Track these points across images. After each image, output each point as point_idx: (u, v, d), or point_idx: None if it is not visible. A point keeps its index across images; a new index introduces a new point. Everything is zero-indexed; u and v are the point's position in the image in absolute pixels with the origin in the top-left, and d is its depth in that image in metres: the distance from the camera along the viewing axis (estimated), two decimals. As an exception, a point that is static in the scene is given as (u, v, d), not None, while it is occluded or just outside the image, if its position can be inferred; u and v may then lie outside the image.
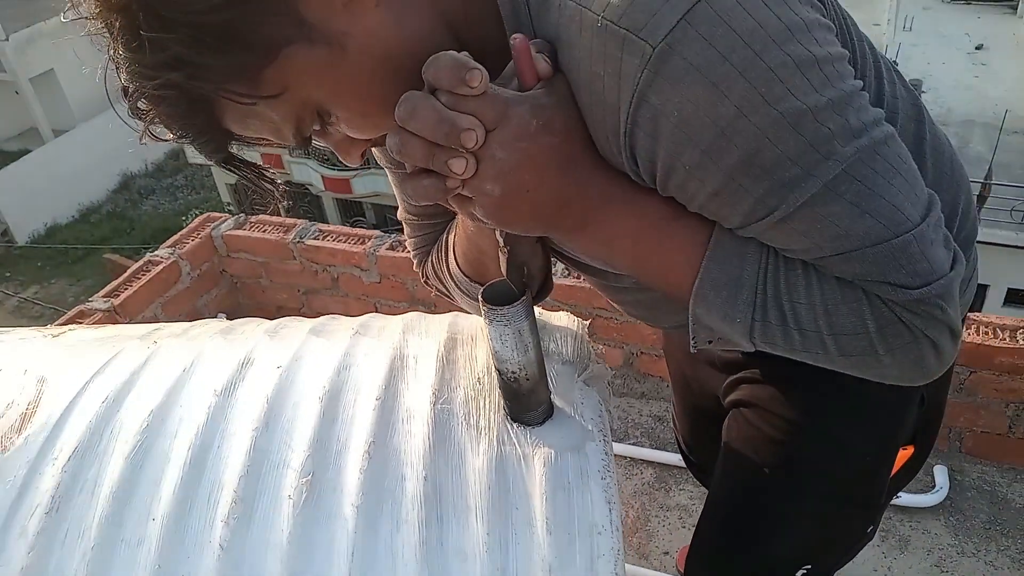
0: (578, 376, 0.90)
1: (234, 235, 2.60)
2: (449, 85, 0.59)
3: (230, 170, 0.73)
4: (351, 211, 15.87)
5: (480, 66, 0.59)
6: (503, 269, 0.77)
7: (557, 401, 0.86)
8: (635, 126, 0.59)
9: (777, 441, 1.02)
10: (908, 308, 0.63)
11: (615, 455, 2.21)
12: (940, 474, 2.03)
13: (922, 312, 0.63)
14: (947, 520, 1.96)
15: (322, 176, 14.11)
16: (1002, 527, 1.93)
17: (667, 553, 1.93)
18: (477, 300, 0.77)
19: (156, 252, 2.53)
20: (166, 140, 0.67)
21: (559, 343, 0.95)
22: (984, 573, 1.84)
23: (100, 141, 16.15)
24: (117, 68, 0.61)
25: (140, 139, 0.67)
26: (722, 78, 0.55)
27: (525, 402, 0.82)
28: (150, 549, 0.73)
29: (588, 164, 0.65)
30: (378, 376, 0.89)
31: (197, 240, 2.58)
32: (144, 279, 2.41)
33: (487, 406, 0.85)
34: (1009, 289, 11.18)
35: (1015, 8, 16.59)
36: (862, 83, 0.62)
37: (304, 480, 0.76)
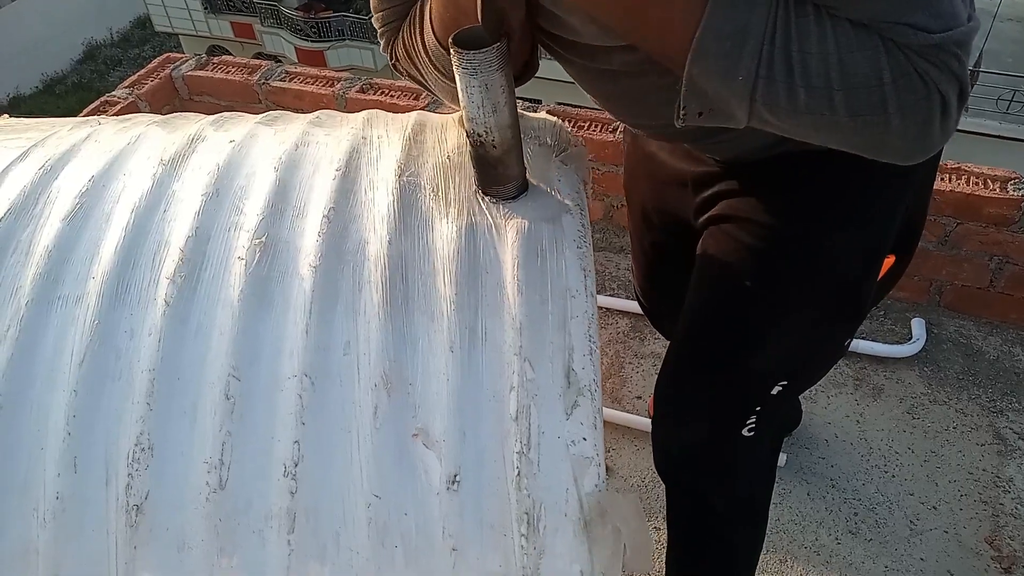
0: (555, 156, 0.83)
1: (196, 76, 2.46)
2: None
3: None
4: (327, 87, 15.36)
5: None
6: (479, 14, 0.69)
7: (532, 179, 0.80)
8: None
9: (758, 251, 0.96)
10: (925, 56, 0.60)
11: (591, 305, 2.19)
12: (918, 326, 2.02)
13: (939, 62, 0.60)
14: (921, 370, 1.96)
15: (295, 47, 13.57)
16: (975, 377, 1.93)
17: (639, 397, 1.93)
18: (451, 73, 0.70)
19: (113, 92, 2.39)
20: None
21: (536, 130, 0.88)
22: (954, 420, 1.85)
23: (60, 6, 15.37)
24: None
25: None
26: None
27: (496, 172, 0.75)
28: (88, 305, 0.67)
29: None
30: (339, 151, 0.82)
31: (157, 80, 2.44)
32: (103, 118, 2.29)
33: (458, 181, 0.79)
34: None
35: None
36: None
37: (257, 241, 0.70)
